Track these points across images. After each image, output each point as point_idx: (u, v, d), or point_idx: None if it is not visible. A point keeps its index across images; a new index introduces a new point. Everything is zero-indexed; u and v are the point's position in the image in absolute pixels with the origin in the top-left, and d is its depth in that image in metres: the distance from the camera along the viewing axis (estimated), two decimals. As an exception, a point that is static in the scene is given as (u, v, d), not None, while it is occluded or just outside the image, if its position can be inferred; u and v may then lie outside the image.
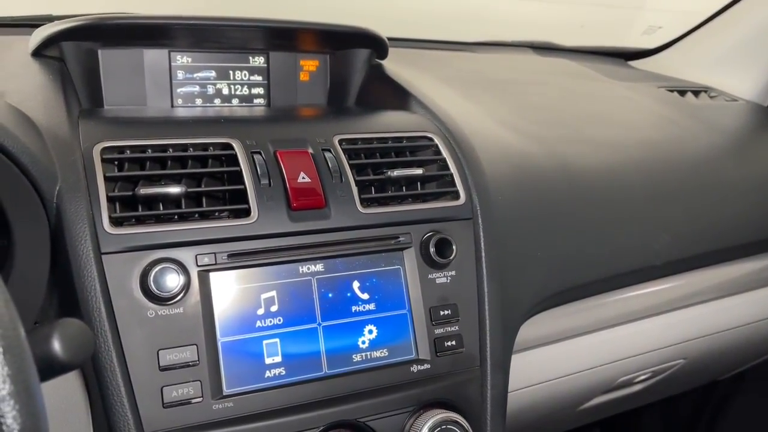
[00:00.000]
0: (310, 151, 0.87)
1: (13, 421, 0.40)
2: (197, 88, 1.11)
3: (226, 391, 0.76)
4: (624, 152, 1.15)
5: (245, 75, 1.14)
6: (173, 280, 0.74)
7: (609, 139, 1.17)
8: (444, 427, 0.82)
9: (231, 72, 1.13)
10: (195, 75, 1.11)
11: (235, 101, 1.13)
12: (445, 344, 0.87)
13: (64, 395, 0.74)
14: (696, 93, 1.51)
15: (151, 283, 0.73)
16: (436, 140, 0.96)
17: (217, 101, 1.12)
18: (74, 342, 0.57)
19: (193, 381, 0.74)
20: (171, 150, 0.82)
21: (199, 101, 1.11)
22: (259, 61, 1.14)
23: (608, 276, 1.05)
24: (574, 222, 1.03)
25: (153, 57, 1.06)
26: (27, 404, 0.41)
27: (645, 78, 1.57)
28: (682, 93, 1.49)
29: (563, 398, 1.12)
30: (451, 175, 0.93)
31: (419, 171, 0.91)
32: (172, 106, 1.09)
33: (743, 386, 1.71)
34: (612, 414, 1.49)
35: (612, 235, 1.06)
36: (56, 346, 0.55)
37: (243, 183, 0.81)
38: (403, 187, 0.92)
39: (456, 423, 0.83)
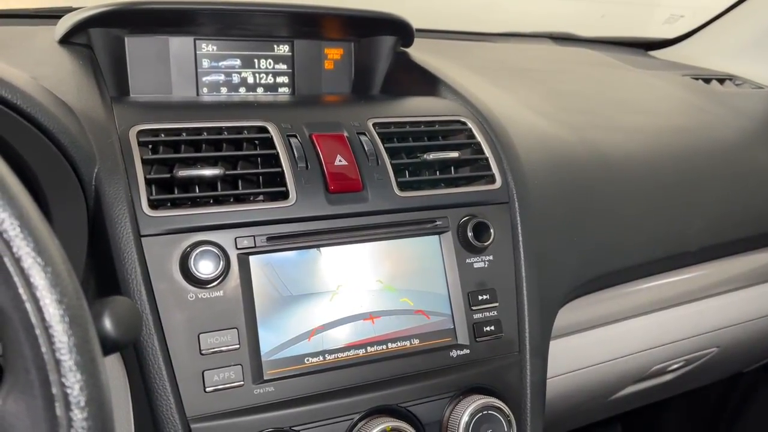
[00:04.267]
0: (346, 134, 0.86)
1: (79, 392, 0.39)
2: (222, 77, 1.10)
3: (266, 375, 0.74)
4: (655, 139, 1.13)
5: (270, 63, 1.13)
6: (213, 263, 0.73)
7: (639, 126, 1.15)
8: (485, 412, 0.81)
9: (256, 60, 1.12)
10: (220, 63, 1.10)
11: (260, 90, 1.12)
12: (484, 329, 0.86)
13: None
14: (721, 81, 1.49)
15: (192, 266, 0.72)
16: (470, 124, 0.95)
17: (242, 90, 1.11)
18: (125, 320, 0.56)
19: (234, 365, 0.73)
20: (206, 133, 0.81)
21: (224, 90, 1.10)
22: (283, 49, 1.13)
23: (643, 262, 1.03)
24: (609, 207, 1.02)
25: (178, 45, 1.05)
26: (93, 375, 0.40)
27: (668, 67, 1.55)
28: (707, 81, 1.47)
29: (596, 387, 1.10)
30: (486, 158, 0.92)
31: (455, 154, 0.89)
32: (198, 94, 1.08)
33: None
34: (641, 405, 1.47)
35: (646, 222, 1.05)
36: (107, 323, 0.54)
37: (280, 166, 0.80)
38: (437, 172, 0.91)
39: (497, 408, 0.82)
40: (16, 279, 0.38)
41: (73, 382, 0.39)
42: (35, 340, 0.38)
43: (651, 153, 1.11)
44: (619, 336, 1.07)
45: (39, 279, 0.39)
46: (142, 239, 0.72)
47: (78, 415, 0.38)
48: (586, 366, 1.04)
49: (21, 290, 0.38)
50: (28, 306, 0.38)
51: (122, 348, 0.57)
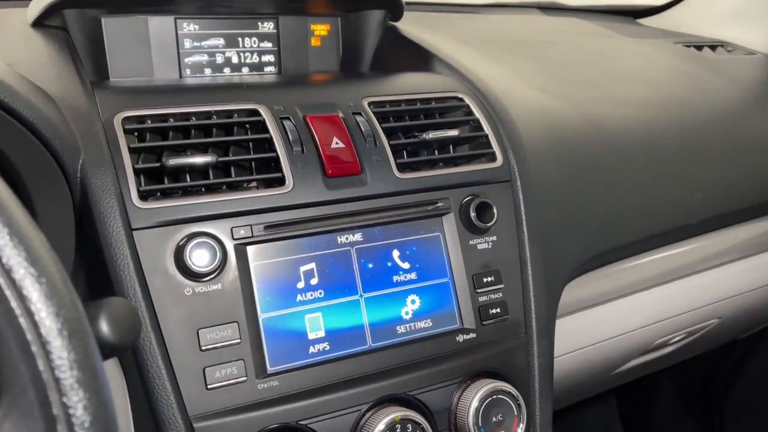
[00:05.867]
0: (341, 115, 0.83)
1: (83, 412, 0.36)
2: (206, 57, 1.06)
3: (270, 369, 0.72)
4: (652, 110, 1.11)
5: (255, 42, 1.08)
6: (210, 255, 0.70)
7: (637, 97, 1.13)
8: (495, 397, 0.79)
9: (240, 39, 1.07)
10: (203, 43, 1.05)
11: (245, 70, 1.08)
12: (490, 312, 0.83)
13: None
14: (713, 48, 1.47)
15: (188, 259, 0.68)
16: (467, 100, 0.92)
17: (227, 70, 1.07)
18: (123, 323, 0.53)
19: (236, 360, 0.70)
20: (194, 118, 0.77)
21: (208, 71, 1.05)
22: (268, 26, 1.09)
23: (645, 236, 1.02)
24: (610, 182, 1.00)
25: (158, 25, 1.00)
26: (97, 392, 0.37)
27: (658, 35, 1.53)
28: (699, 48, 1.45)
29: (599, 364, 1.09)
30: (486, 136, 0.89)
31: (455, 132, 0.86)
32: (180, 76, 1.03)
33: (763, 343, 1.71)
34: (641, 375, 1.47)
35: (648, 195, 1.03)
36: (104, 327, 0.51)
37: (275, 151, 0.76)
38: (436, 151, 0.88)
39: (506, 393, 0.80)
40: (8, 292, 0.35)
41: (76, 402, 0.36)
42: (32, 358, 0.35)
43: (650, 125, 1.09)
44: (622, 312, 1.06)
45: (33, 291, 0.35)
46: (134, 233, 0.68)
47: (83, 437, 0.35)
48: (590, 344, 1.03)
49: (14, 304, 0.35)
50: (23, 321, 0.35)
51: (121, 353, 0.54)
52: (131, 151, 0.72)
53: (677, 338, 1.16)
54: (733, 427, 1.86)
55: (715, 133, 1.13)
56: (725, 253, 1.15)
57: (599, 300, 1.03)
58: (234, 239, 0.72)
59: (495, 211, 0.84)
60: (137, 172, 0.71)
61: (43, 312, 0.36)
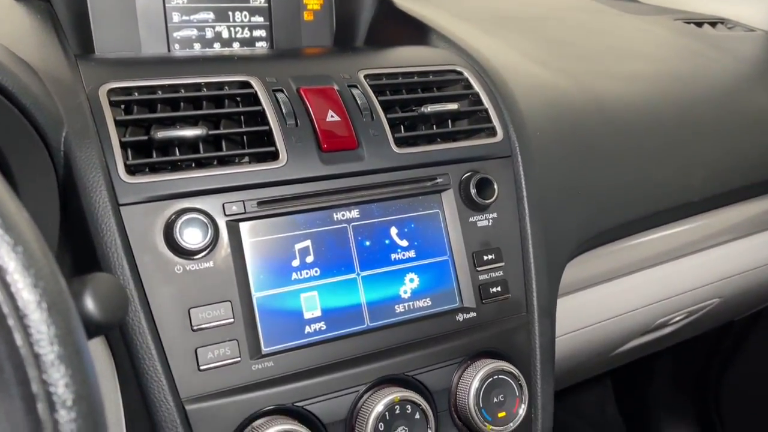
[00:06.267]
0: (336, 87, 0.80)
1: (65, 389, 0.33)
2: (195, 32, 1.02)
3: (264, 349, 0.69)
4: (655, 86, 1.09)
5: (245, 16, 1.05)
6: (201, 232, 0.67)
7: (638, 73, 1.10)
8: (496, 377, 0.77)
9: (230, 13, 1.03)
10: (192, 17, 1.01)
11: (236, 45, 1.04)
12: (491, 291, 0.81)
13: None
14: (713, 24, 1.45)
15: (177, 236, 0.66)
16: (466, 74, 0.89)
17: (217, 45, 1.03)
18: (109, 299, 0.50)
19: (229, 341, 0.67)
20: (183, 90, 0.74)
21: (197, 46, 1.02)
22: (259, 0, 1.05)
23: (648, 214, 1.00)
24: (611, 158, 0.98)
25: (145, -2, 0.96)
26: (80, 369, 0.35)
27: (657, 11, 1.50)
28: (699, 24, 1.43)
29: (600, 344, 1.08)
30: (486, 110, 0.87)
31: (454, 106, 0.84)
32: (169, 51, 1.00)
33: (760, 324, 1.70)
34: (639, 357, 1.46)
35: (649, 172, 1.00)
36: (90, 304, 0.48)
37: (267, 124, 0.73)
38: (434, 126, 0.85)
39: (508, 373, 0.78)
40: None
41: (57, 379, 0.33)
42: (8, 333, 0.32)
43: (651, 101, 1.07)
44: (623, 291, 1.04)
45: (8, 260, 0.32)
46: (121, 208, 0.65)
47: (65, 416, 0.33)
48: (591, 324, 1.01)
49: None
50: None
51: (107, 331, 0.52)
52: (117, 124, 0.68)
53: (678, 318, 1.15)
54: (729, 409, 1.86)
55: (716, 110, 1.11)
56: (727, 232, 1.13)
57: (600, 279, 1.01)
58: (226, 215, 0.69)
59: (496, 187, 0.82)
60: (124, 146, 0.68)
61: (20, 283, 0.33)
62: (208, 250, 0.68)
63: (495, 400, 0.77)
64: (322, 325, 0.73)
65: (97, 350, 0.68)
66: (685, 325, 1.23)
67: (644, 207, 0.99)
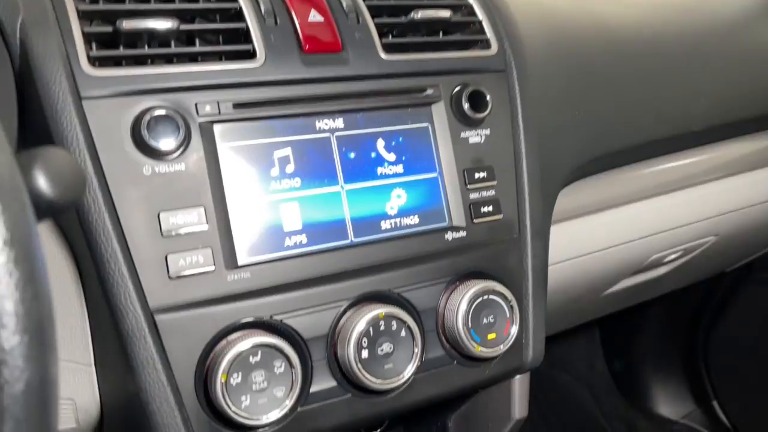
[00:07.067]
0: (320, -13, 0.74)
1: (9, 277, 0.29)
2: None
3: (241, 260, 0.65)
4: (658, 12, 1.04)
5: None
6: (171, 131, 0.62)
7: (641, -2, 1.05)
8: (486, 297, 0.73)
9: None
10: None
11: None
12: (482, 210, 0.77)
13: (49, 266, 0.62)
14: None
15: (145, 133, 0.61)
16: (460, -17, 0.84)
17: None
18: (62, 175, 0.45)
19: (202, 248, 0.63)
20: (154, -17, 0.68)
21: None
22: None
23: (646, 142, 0.95)
24: (611, 81, 0.93)
25: None
26: (28, 254, 0.30)
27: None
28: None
29: (593, 278, 1.04)
30: (480, 22, 0.82)
31: (446, 14, 0.78)
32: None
33: (750, 276, 1.68)
34: (628, 305, 1.43)
35: (650, 97, 0.96)
36: (40, 180, 0.43)
37: (245, 21, 0.68)
38: (424, 35, 0.80)
39: (498, 293, 0.74)
40: None
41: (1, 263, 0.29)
42: None
43: (654, 26, 1.02)
44: (619, 222, 1.00)
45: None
46: (83, 102, 0.60)
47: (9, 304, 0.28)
48: (584, 253, 0.97)
49: None
50: None
51: (60, 211, 0.47)
52: (81, 15, 0.63)
53: (672, 256, 1.12)
54: (718, 363, 1.85)
55: (720, 41, 1.06)
56: (726, 167, 1.09)
57: (595, 208, 0.97)
58: (199, 116, 0.64)
59: (489, 100, 0.77)
60: (87, 37, 0.62)
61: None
62: (179, 151, 0.63)
63: (485, 321, 0.73)
64: (303, 238, 0.69)
65: (57, 255, 0.64)
66: (679, 267, 1.19)
67: (643, 134, 0.95)
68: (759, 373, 1.73)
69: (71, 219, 0.62)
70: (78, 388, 0.65)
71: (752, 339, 1.75)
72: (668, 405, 1.94)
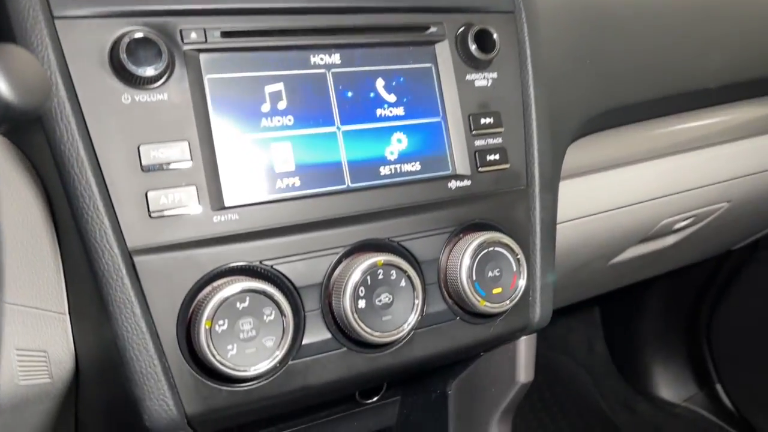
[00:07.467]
0: None
1: None
2: None
3: (228, 201, 0.60)
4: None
5: None
6: (153, 57, 0.57)
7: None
8: (491, 249, 0.69)
9: None
10: None
11: None
12: (487, 158, 0.72)
13: (14, 203, 0.57)
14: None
15: (124, 57, 0.56)
16: None
17: None
18: (23, 76, 0.40)
19: (185, 186, 0.58)
20: None
21: None
22: None
23: (659, 97, 0.91)
24: (624, 32, 0.88)
25: None
26: None
27: None
28: None
29: (601, 242, 1.00)
30: (487, -40, 0.76)
31: (452, -53, 0.73)
32: None
33: (756, 255, 1.64)
34: (634, 280, 1.38)
35: (664, 53, 0.91)
36: (-4, 77, 0.38)
37: (235, -58, 0.63)
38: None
39: (505, 245, 0.69)
40: None
41: None
42: None
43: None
44: (628, 180, 0.95)
45: None
46: (56, 21, 0.55)
47: None
48: (593, 213, 0.93)
49: None
50: None
51: (21, 117, 0.42)
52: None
53: (683, 223, 1.07)
54: (720, 344, 1.81)
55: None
56: (740, 129, 1.05)
57: (605, 166, 0.93)
58: (184, 43, 0.59)
59: (496, 39, 0.72)
60: (61, -48, 0.57)
61: None
62: (162, 80, 0.58)
63: (490, 274, 0.69)
64: (295, 180, 0.64)
65: (31, 198, 0.58)
66: (689, 237, 1.15)
67: (657, 88, 0.90)
68: (765, 356, 1.69)
69: (44, 153, 0.57)
70: (51, 339, 0.60)
71: (757, 320, 1.71)
72: (670, 388, 1.90)
